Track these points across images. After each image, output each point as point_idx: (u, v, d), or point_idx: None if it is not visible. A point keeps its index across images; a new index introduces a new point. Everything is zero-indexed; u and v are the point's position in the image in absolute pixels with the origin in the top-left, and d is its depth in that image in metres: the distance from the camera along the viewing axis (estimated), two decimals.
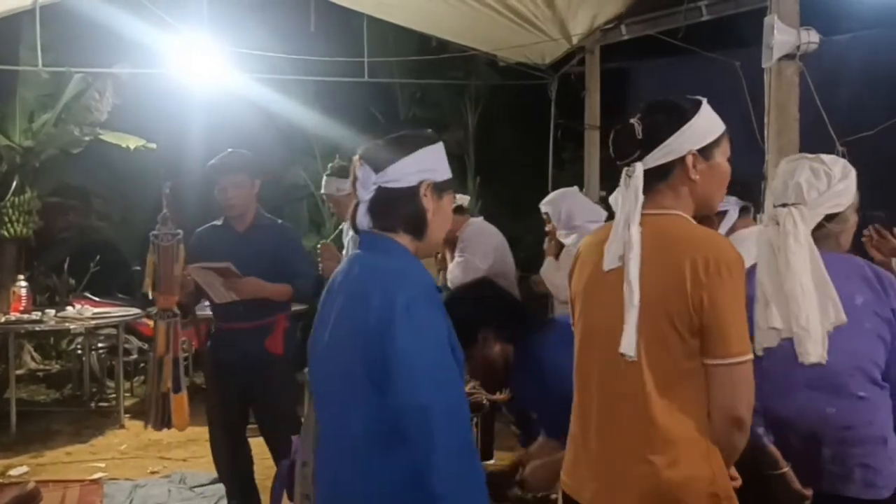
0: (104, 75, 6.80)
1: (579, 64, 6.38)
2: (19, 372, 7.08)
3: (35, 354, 7.83)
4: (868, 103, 5.11)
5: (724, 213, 2.81)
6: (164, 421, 3.62)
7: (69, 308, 6.43)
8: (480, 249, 4.43)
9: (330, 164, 4.30)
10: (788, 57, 3.45)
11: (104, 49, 6.40)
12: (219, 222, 3.83)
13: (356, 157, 1.76)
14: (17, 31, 6.29)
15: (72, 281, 7.78)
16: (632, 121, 1.84)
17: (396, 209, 1.73)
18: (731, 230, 2.81)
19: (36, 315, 6.07)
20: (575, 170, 7.48)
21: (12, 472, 4.99)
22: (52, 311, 6.16)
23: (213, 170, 3.67)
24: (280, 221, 3.95)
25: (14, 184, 7.05)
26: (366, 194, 1.73)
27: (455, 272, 4.36)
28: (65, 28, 6.29)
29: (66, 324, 6.17)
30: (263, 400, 3.71)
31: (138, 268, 8.02)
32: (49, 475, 4.90)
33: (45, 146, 7.14)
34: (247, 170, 3.66)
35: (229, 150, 3.75)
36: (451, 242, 4.56)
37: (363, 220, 1.75)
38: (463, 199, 4.67)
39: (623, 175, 1.85)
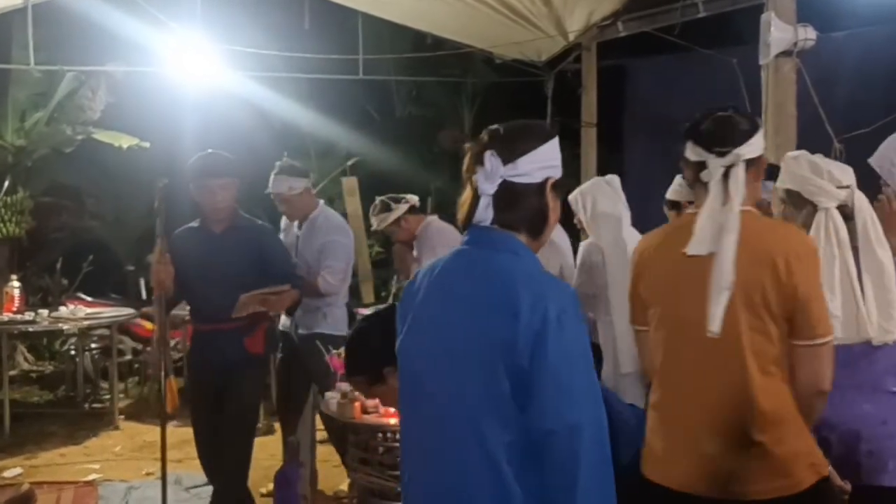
0: (97, 74, 6.76)
1: (576, 61, 6.35)
2: (12, 373, 7.02)
3: (28, 355, 7.77)
4: (865, 100, 5.08)
5: None
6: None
7: (62, 308, 6.36)
8: (441, 250, 4.33)
9: (278, 163, 4.17)
10: (785, 54, 3.45)
11: (97, 47, 6.36)
12: (195, 224, 3.76)
13: (477, 147, 1.65)
14: (9, 30, 6.25)
15: (65, 281, 7.70)
16: (726, 113, 1.97)
17: (522, 205, 1.62)
18: None
19: (29, 316, 6.01)
20: (572, 168, 7.45)
21: (6, 474, 4.94)
22: (45, 312, 6.10)
23: (198, 172, 3.60)
24: (259, 222, 3.87)
25: (6, 183, 7.01)
26: (490, 187, 1.60)
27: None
28: (57, 26, 6.25)
29: (60, 324, 6.11)
30: (236, 397, 3.66)
31: (131, 268, 8.00)
32: (43, 477, 4.87)
33: (38, 145, 7.10)
34: (231, 172, 3.64)
35: (209, 150, 3.70)
36: (408, 243, 4.46)
37: (484, 214, 1.61)
38: (413, 199, 4.52)
39: (712, 163, 1.92)
